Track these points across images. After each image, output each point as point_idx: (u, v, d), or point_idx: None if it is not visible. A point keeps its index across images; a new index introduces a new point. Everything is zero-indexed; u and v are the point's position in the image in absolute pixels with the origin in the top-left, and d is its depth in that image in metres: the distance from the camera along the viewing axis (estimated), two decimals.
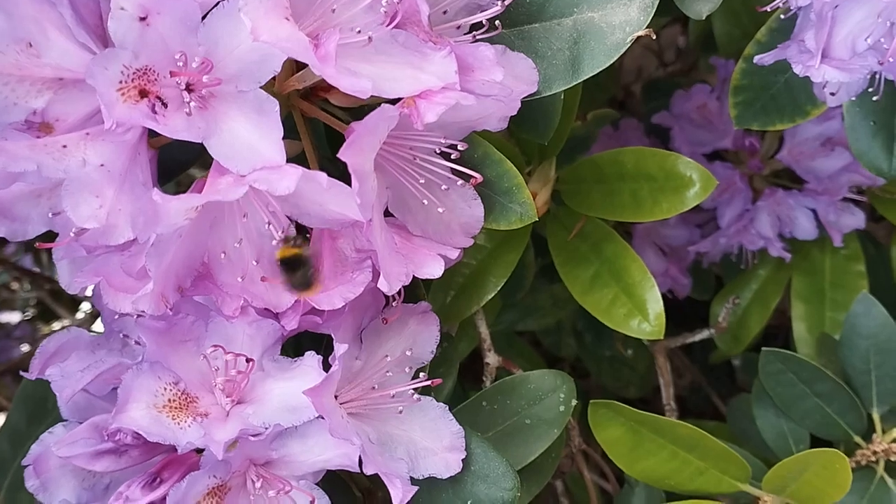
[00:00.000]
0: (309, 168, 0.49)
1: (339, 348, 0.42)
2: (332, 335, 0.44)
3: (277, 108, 0.40)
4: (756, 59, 0.59)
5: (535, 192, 0.75)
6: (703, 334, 0.89)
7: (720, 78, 0.94)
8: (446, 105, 0.40)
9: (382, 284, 0.42)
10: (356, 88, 0.39)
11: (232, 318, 0.43)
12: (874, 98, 0.57)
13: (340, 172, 0.44)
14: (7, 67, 0.40)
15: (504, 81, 0.46)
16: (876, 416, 0.75)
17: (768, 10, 0.57)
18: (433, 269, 0.44)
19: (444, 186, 0.46)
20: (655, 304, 0.68)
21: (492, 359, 0.73)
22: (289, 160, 0.44)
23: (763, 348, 0.75)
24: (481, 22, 0.47)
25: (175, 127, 0.38)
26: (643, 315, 0.68)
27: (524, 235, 0.74)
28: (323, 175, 0.39)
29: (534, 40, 0.49)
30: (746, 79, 0.66)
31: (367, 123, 0.39)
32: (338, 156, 0.39)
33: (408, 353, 0.48)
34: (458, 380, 0.64)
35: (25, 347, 1.35)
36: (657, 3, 0.47)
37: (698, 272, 1.03)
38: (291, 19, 0.38)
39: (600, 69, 0.48)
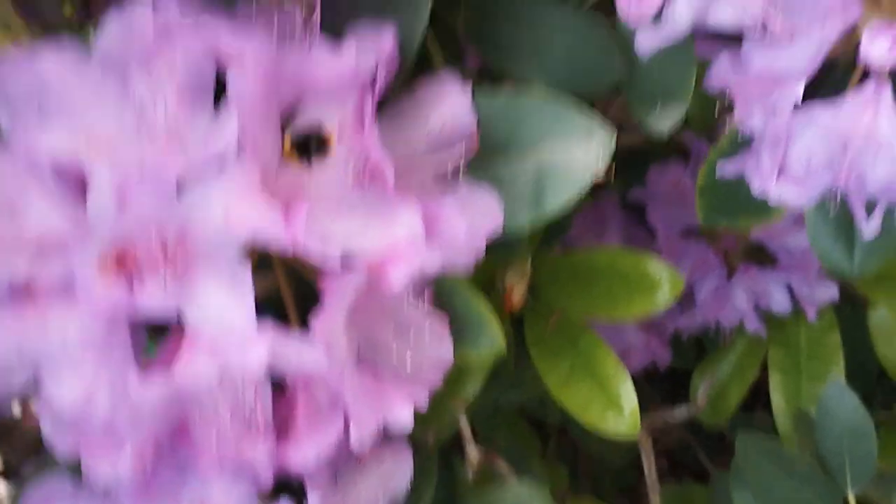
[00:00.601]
0: (282, 299, 0.51)
1: (313, 497, 0.43)
2: (306, 482, 0.46)
3: (249, 273, 0.41)
4: (717, 167, 0.61)
5: (511, 287, 0.77)
6: (682, 412, 0.90)
7: (693, 154, 0.96)
8: (413, 268, 0.42)
9: (353, 434, 0.43)
10: (327, 257, 0.40)
11: (208, 475, 0.44)
12: (830, 213, 0.59)
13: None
14: None
15: (469, 219, 0.48)
16: (851, 499, 0.76)
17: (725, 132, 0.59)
18: (402, 415, 0.45)
19: (413, 329, 0.48)
20: (629, 400, 0.70)
21: (473, 452, 0.75)
22: (262, 294, 0.45)
23: (738, 435, 0.76)
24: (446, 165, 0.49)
25: (152, 299, 0.40)
26: (618, 411, 0.70)
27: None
28: (294, 341, 0.41)
29: (498, 175, 0.51)
30: (711, 180, 0.68)
31: (336, 295, 0.41)
32: (309, 325, 0.41)
33: (383, 487, 0.50)
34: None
35: None
36: (615, 137, 0.49)
37: (678, 342, 1.05)
38: (263, 195, 0.40)
39: (564, 204, 0.50)
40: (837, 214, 0.64)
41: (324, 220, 0.43)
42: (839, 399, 0.77)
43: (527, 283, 0.76)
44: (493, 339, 0.53)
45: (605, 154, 0.49)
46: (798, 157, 0.57)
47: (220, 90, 0.45)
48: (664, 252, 0.96)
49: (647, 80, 0.57)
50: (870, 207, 0.59)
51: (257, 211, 0.39)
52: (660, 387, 1.18)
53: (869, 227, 0.58)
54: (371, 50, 0.45)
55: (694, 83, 0.58)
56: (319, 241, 0.41)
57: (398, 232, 0.44)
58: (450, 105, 0.50)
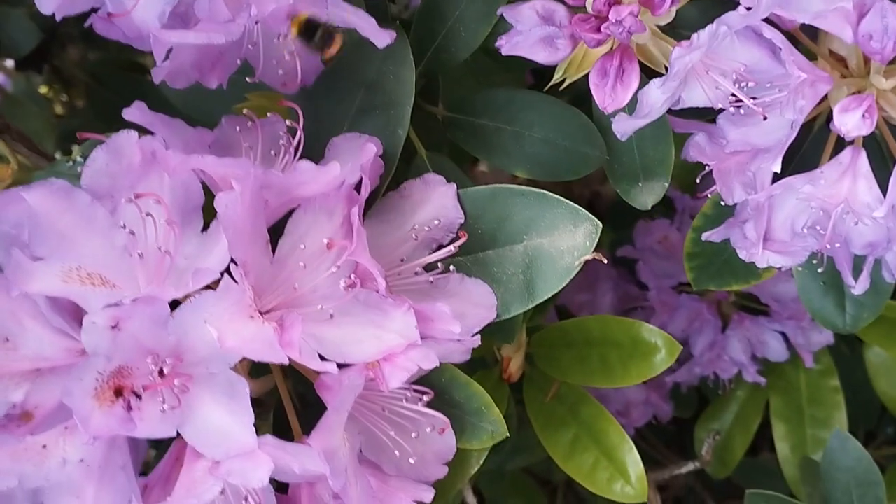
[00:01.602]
0: (281, 402, 0.51)
1: None
2: None
3: (248, 388, 0.42)
4: (704, 236, 0.62)
5: (508, 358, 0.77)
6: (688, 467, 0.90)
7: (678, 209, 0.97)
8: (410, 370, 0.42)
9: None
10: (323, 369, 0.41)
11: None
12: (819, 270, 0.60)
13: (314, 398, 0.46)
14: None
15: (463, 312, 0.48)
16: None
17: (708, 195, 0.60)
18: None
19: (414, 424, 0.48)
20: (636, 467, 0.70)
21: None
22: (260, 396, 0.45)
23: (747, 491, 0.76)
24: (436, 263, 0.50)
25: (151, 423, 0.40)
26: (625, 478, 0.70)
27: (503, 400, 0.75)
28: (296, 452, 0.41)
29: (488, 266, 0.52)
30: (698, 247, 0.69)
31: (334, 406, 0.41)
32: (307, 441, 0.41)
33: None
34: None
35: None
36: (600, 230, 0.50)
37: (678, 392, 1.05)
38: (256, 314, 0.41)
39: (554, 292, 0.51)
40: (826, 271, 0.65)
41: (318, 330, 0.44)
42: (844, 450, 0.76)
43: (523, 353, 0.76)
44: (494, 424, 0.53)
45: (592, 242, 0.50)
46: (781, 225, 0.57)
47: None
48: (657, 307, 0.97)
49: (627, 158, 0.58)
50: (857, 263, 0.59)
51: (250, 331, 0.40)
52: (663, 434, 1.18)
53: (858, 286, 0.58)
54: (356, 160, 0.46)
55: (673, 158, 0.59)
56: (315, 353, 0.42)
57: (393, 337, 0.44)
58: (437, 201, 0.51)
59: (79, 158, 0.51)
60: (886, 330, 0.90)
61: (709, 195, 0.61)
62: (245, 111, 0.50)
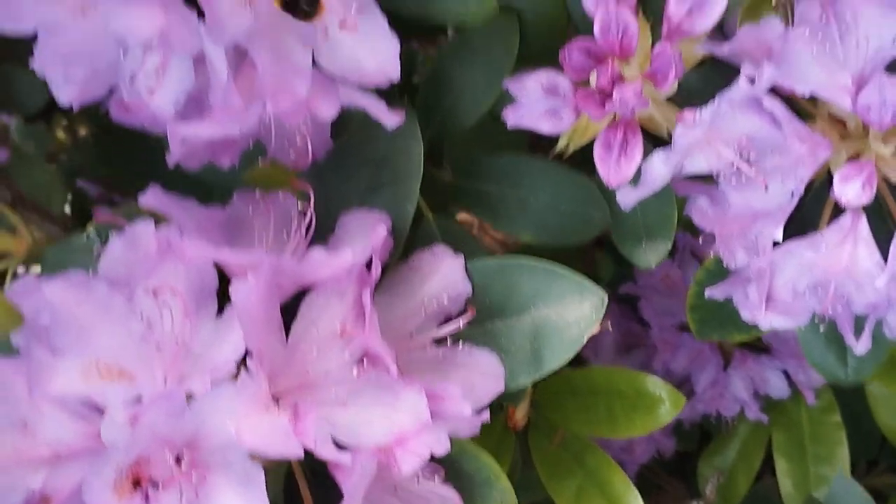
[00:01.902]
0: (291, 471, 0.51)
1: None
2: None
3: (262, 476, 0.42)
4: (707, 292, 0.63)
5: (513, 408, 0.78)
6: None
7: (679, 247, 0.98)
8: (422, 456, 0.43)
9: None
10: (337, 460, 0.42)
11: None
12: (820, 328, 0.61)
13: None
14: (4, 455, 0.43)
15: (471, 385, 0.49)
16: None
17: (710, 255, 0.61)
18: None
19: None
20: None
21: None
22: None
23: None
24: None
25: None
26: None
27: (509, 448, 0.76)
28: None
29: (496, 337, 0.52)
30: (701, 299, 0.69)
31: (349, 490, 0.42)
32: None
33: None
34: None
35: None
36: (606, 302, 0.51)
37: (681, 428, 1.06)
38: (271, 404, 0.41)
39: (562, 363, 0.52)
40: (827, 327, 0.66)
41: (331, 414, 0.44)
42: (846, 494, 0.77)
43: (528, 401, 0.77)
44: (503, 494, 0.54)
45: (599, 315, 0.50)
46: (783, 286, 0.58)
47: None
48: (659, 345, 0.98)
49: (630, 220, 0.59)
50: (858, 319, 0.60)
51: (266, 423, 0.41)
52: (666, 465, 1.18)
53: (860, 345, 0.59)
54: (366, 240, 0.47)
55: (676, 218, 0.60)
56: (329, 439, 0.42)
57: (404, 418, 0.45)
58: (444, 274, 0.52)
59: (93, 234, 0.52)
60: (887, 368, 0.91)
61: (711, 254, 0.62)
62: (257, 194, 0.50)
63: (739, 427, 1.00)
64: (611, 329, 0.52)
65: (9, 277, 0.58)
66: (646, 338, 1.00)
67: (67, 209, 0.82)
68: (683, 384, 1.00)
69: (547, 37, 0.56)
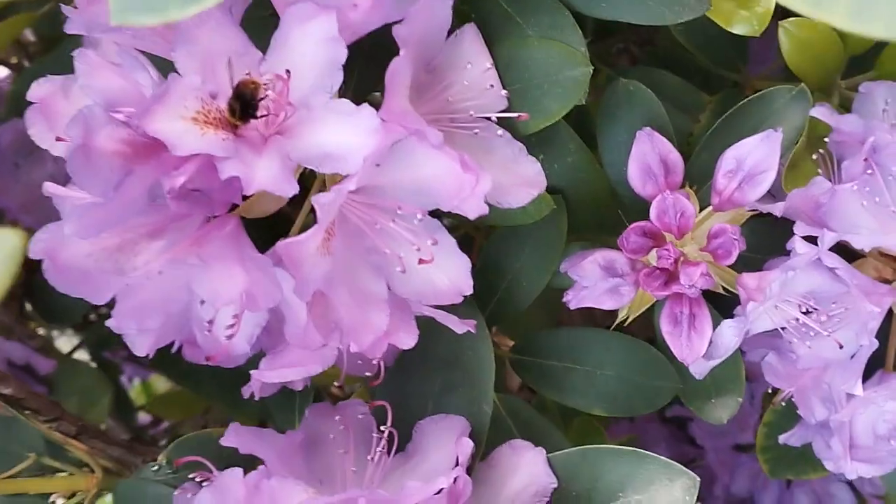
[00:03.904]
0: None
1: None
2: None
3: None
4: (781, 439, 0.62)
5: None
6: None
7: None
8: None
9: None
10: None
11: None
12: None
13: None
14: None
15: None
16: None
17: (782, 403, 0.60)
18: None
19: None
20: None
21: None
22: None
23: None
24: None
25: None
26: None
27: None
28: None
29: None
30: (770, 440, 0.68)
31: None
32: None
33: None
34: None
35: None
36: (698, 484, 0.50)
37: None
38: None
39: None
40: None
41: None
42: None
43: None
44: None
45: (692, 497, 0.49)
46: (863, 432, 0.57)
47: None
48: (715, 468, 0.96)
49: (699, 381, 0.58)
50: None
51: None
52: None
53: None
54: (450, 451, 0.46)
55: (744, 375, 0.59)
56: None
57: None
58: (526, 469, 0.50)
59: (164, 463, 0.51)
60: None
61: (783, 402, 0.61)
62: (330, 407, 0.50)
63: None
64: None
65: None
66: (700, 458, 0.98)
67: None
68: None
69: (591, 212, 0.56)
